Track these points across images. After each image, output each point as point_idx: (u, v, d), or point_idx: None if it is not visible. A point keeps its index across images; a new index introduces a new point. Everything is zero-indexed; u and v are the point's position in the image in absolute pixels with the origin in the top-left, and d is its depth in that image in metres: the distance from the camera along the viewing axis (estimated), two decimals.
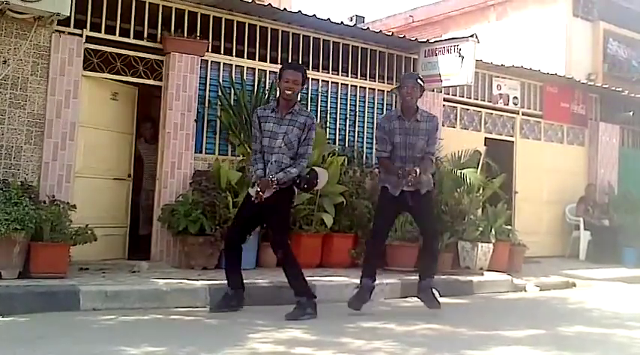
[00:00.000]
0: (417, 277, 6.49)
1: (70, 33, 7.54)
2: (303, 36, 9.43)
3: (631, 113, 13.41)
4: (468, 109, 11.52)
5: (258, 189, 5.68)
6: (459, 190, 9.45)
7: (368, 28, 11.37)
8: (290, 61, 9.23)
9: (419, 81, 6.35)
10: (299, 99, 9.18)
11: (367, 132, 10.06)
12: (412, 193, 6.17)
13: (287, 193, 5.89)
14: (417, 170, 6.02)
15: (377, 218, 6.65)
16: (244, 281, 6.09)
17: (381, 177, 6.57)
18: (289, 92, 5.83)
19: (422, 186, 6.20)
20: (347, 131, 9.87)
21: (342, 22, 9.56)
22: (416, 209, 6.33)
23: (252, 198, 5.78)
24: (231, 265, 6.04)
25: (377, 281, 7.21)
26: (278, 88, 5.98)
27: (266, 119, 5.87)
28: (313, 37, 9.52)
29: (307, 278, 6.78)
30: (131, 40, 8.01)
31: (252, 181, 5.97)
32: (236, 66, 8.84)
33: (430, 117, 6.44)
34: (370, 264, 6.44)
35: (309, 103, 9.38)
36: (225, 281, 6.04)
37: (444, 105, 10.92)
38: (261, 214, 5.94)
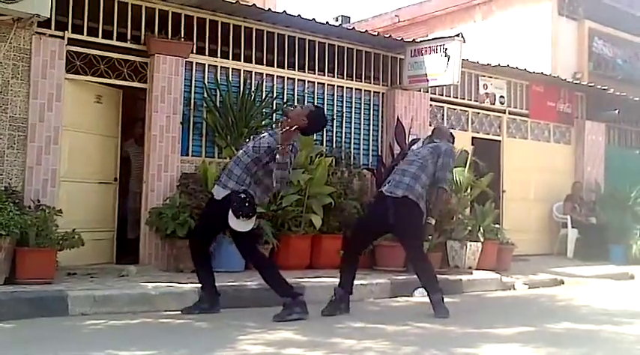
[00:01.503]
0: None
1: (51, 35, 7.45)
2: (289, 36, 9.40)
3: (616, 111, 13.47)
4: (454, 109, 11.54)
5: None
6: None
7: (354, 28, 11.36)
8: (275, 61, 9.20)
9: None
10: (285, 100, 9.24)
11: (355, 133, 10.05)
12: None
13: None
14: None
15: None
16: (235, 283, 6.04)
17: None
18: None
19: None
20: (334, 132, 9.85)
21: (327, 23, 9.56)
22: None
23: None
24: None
25: (366, 282, 7.24)
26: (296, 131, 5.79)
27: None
28: (299, 38, 9.50)
29: (297, 280, 6.77)
30: (114, 42, 7.95)
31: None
32: (221, 67, 8.80)
33: (441, 145, 6.55)
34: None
35: (295, 104, 9.34)
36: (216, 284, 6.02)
37: (430, 105, 10.93)
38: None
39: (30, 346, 4.57)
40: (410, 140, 9.44)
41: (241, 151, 5.87)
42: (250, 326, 5.43)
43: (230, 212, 5.55)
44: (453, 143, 6.66)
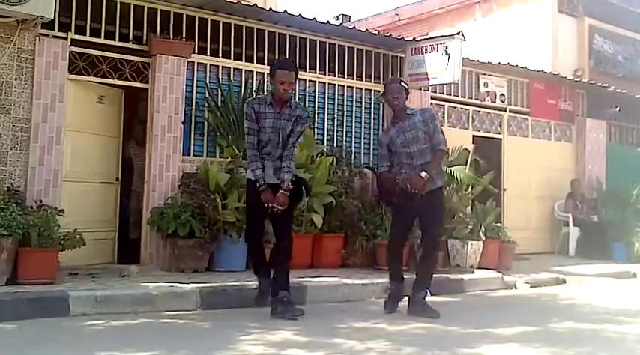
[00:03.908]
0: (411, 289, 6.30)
1: (54, 36, 7.48)
2: (290, 36, 9.41)
3: (617, 109, 13.48)
4: (455, 107, 11.54)
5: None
6: (448, 188, 9.44)
7: (354, 27, 11.35)
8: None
9: (403, 83, 6.36)
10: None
11: (355, 132, 10.06)
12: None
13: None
14: (425, 174, 6.01)
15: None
16: (236, 283, 6.05)
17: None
18: (285, 93, 5.78)
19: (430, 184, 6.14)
20: (335, 131, 9.85)
21: (328, 22, 9.56)
22: (420, 208, 6.20)
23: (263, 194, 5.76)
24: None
25: (367, 281, 7.26)
26: (273, 86, 5.90)
27: (265, 115, 5.81)
28: (300, 37, 9.50)
29: (298, 279, 6.80)
30: (117, 43, 7.96)
31: (256, 178, 5.82)
32: (223, 67, 8.81)
33: (423, 110, 6.45)
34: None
35: None
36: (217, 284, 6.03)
37: (431, 103, 10.91)
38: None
39: (31, 347, 4.59)
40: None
41: None
42: (251, 326, 5.44)
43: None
44: (406, 90, 6.35)
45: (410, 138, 6.17)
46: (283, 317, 5.66)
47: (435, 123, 6.28)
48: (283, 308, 5.74)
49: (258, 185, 5.77)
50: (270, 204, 5.72)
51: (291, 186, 5.78)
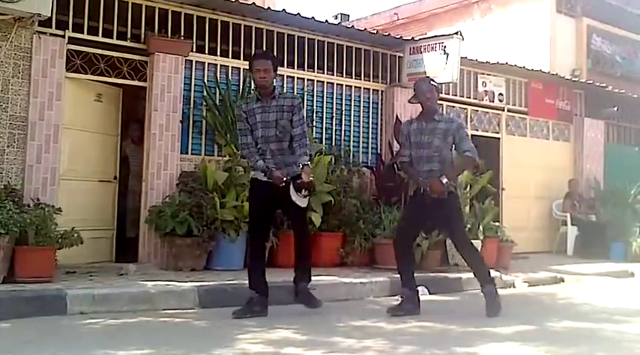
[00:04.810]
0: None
1: (51, 34, 7.46)
2: (288, 35, 9.40)
3: (615, 108, 13.48)
4: (453, 107, 11.53)
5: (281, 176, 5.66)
6: None
7: (352, 26, 11.32)
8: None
9: (432, 83, 6.29)
10: None
11: (354, 131, 10.05)
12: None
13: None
14: (447, 180, 5.95)
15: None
16: (234, 281, 6.04)
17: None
18: (264, 81, 5.79)
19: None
20: (333, 130, 9.85)
21: (326, 21, 9.55)
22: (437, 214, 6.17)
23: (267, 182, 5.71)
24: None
25: (365, 280, 7.25)
26: (253, 80, 5.91)
27: (253, 112, 5.81)
28: (298, 36, 9.50)
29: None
30: (114, 41, 7.95)
31: (260, 170, 5.77)
32: (221, 65, 8.80)
33: (450, 119, 6.36)
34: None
35: None
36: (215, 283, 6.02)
37: None
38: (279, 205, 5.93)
39: (29, 346, 4.56)
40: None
41: None
42: (249, 324, 5.42)
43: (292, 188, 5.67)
44: (436, 88, 6.30)
45: (425, 141, 6.10)
46: (307, 306, 5.84)
47: (461, 133, 6.14)
48: (304, 298, 5.88)
49: (263, 172, 5.72)
50: (282, 184, 5.62)
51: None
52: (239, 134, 5.97)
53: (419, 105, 6.23)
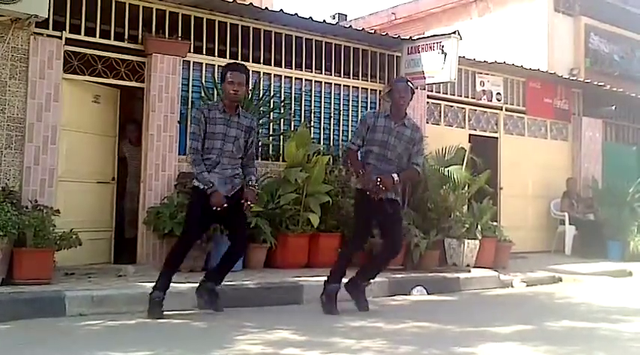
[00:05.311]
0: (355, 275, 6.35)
1: (48, 35, 7.44)
2: (286, 35, 9.40)
3: (613, 107, 13.49)
4: (451, 106, 11.54)
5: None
6: (444, 187, 9.46)
7: (350, 26, 11.33)
8: (272, 59, 9.21)
9: (409, 84, 6.30)
10: (282, 98, 9.25)
11: (352, 131, 10.04)
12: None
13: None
14: (397, 177, 5.95)
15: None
16: (233, 282, 6.04)
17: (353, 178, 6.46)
18: (235, 96, 5.74)
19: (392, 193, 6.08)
20: (331, 130, 9.85)
21: (324, 21, 9.55)
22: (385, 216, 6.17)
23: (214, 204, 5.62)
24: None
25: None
26: (222, 90, 5.88)
27: (215, 121, 5.72)
28: (295, 36, 9.49)
29: (294, 279, 6.77)
30: (112, 42, 7.93)
31: (203, 184, 5.67)
32: (218, 66, 8.76)
33: (416, 127, 6.33)
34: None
35: (292, 102, 9.37)
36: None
37: (427, 102, 10.93)
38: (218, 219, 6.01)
39: (27, 347, 4.57)
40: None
41: None
42: (248, 325, 5.43)
43: None
44: (412, 91, 6.30)
45: (391, 143, 6.08)
46: (210, 308, 5.89)
47: (420, 146, 6.25)
48: (209, 299, 5.93)
49: (206, 188, 5.63)
50: (217, 208, 5.59)
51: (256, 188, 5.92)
52: (191, 137, 5.84)
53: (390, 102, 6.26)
